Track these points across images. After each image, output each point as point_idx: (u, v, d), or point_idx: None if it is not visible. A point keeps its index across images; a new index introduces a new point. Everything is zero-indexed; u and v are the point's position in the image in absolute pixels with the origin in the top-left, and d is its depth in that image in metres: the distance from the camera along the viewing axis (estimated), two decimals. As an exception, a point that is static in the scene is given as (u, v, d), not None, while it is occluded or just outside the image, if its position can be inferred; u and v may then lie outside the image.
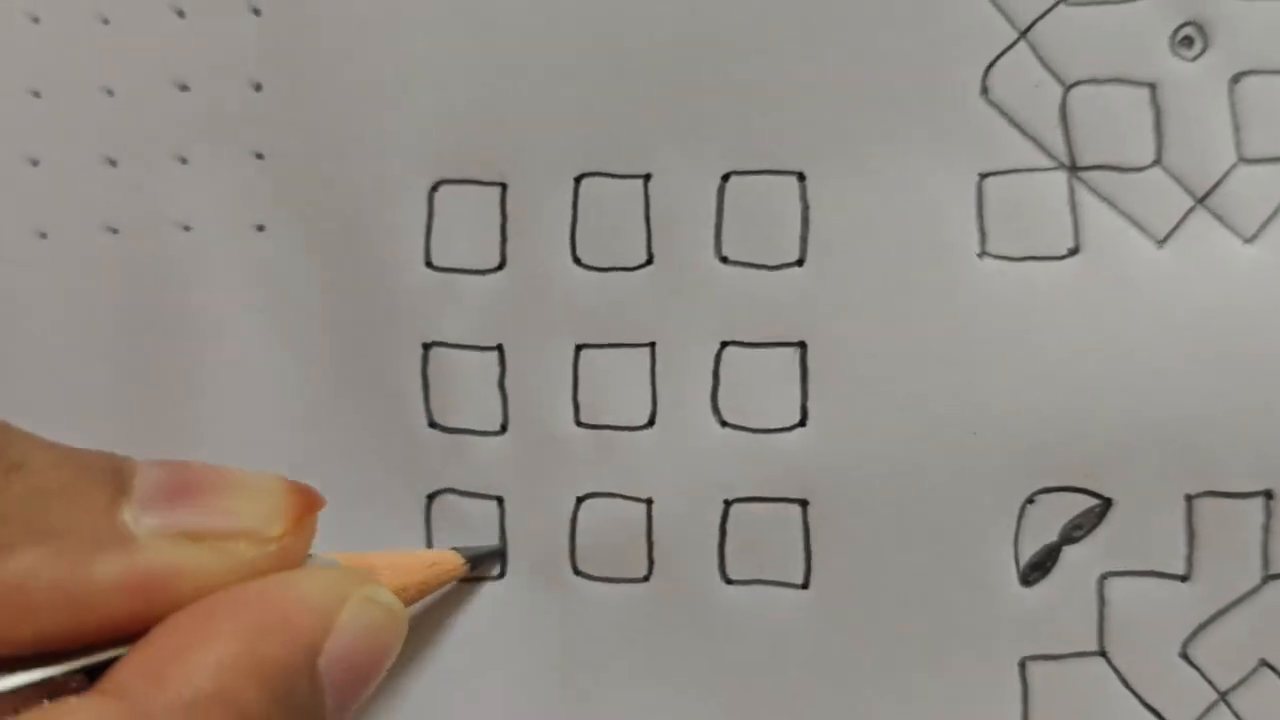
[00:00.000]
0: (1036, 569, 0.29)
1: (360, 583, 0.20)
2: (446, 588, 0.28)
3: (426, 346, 0.30)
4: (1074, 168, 0.28)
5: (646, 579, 0.30)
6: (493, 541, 0.29)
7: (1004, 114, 0.28)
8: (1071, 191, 0.28)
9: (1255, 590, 0.28)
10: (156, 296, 0.30)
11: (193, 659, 0.17)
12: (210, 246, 0.30)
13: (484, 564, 0.28)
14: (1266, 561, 0.28)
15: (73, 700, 0.17)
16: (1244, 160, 0.28)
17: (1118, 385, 0.28)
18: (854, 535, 0.29)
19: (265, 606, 0.18)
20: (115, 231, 0.30)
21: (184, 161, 0.30)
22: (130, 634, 0.18)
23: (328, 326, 0.30)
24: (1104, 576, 0.29)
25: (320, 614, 0.19)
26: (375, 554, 0.24)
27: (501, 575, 0.30)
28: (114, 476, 0.18)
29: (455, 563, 0.26)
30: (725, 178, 0.29)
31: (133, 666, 0.17)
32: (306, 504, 0.19)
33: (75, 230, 0.30)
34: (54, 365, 0.30)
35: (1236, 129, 0.28)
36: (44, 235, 0.30)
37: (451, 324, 0.30)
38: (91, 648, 0.18)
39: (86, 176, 0.30)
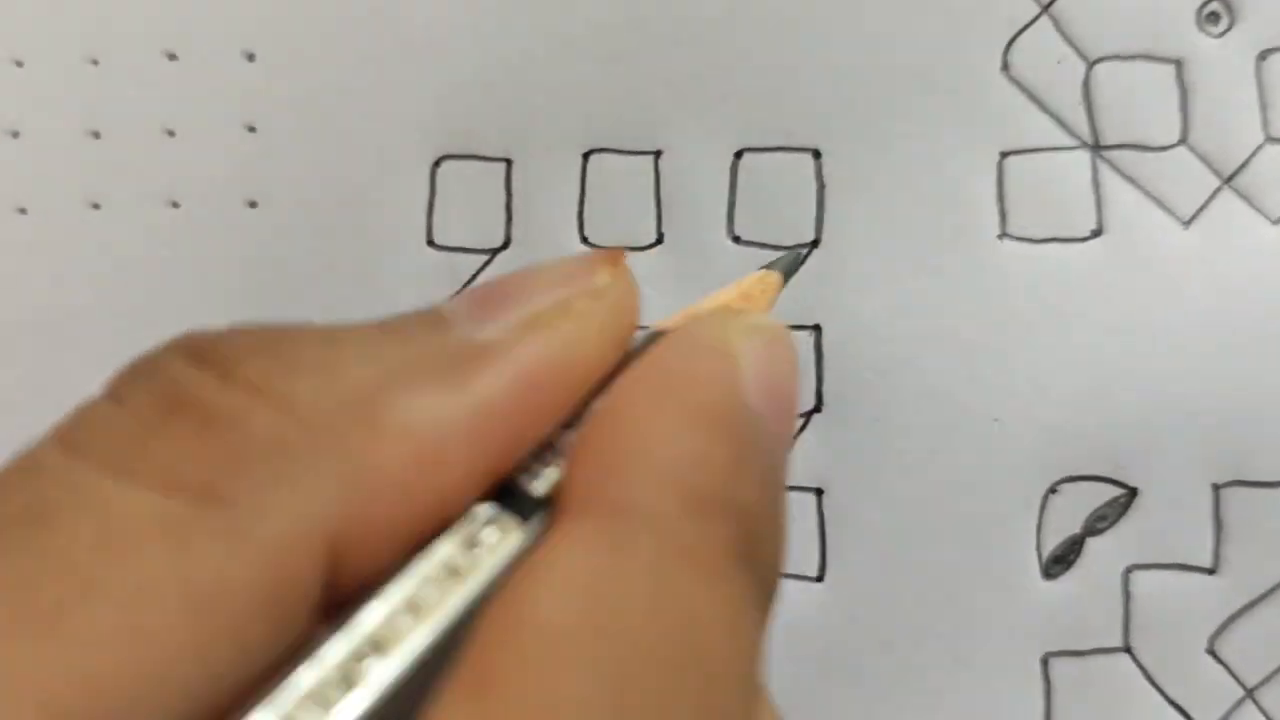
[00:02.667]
0: (1059, 561, 0.28)
1: (730, 316, 0.19)
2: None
3: (427, 328, 0.28)
4: (1097, 146, 0.28)
5: (656, 571, 0.28)
6: None
7: (1025, 91, 0.28)
8: (1095, 171, 0.28)
9: (1285, 583, 0.27)
10: (143, 275, 0.29)
11: (645, 450, 0.16)
12: (200, 223, 0.29)
13: (794, 271, 0.25)
14: (1297, 553, 0.27)
15: (560, 537, 0.15)
16: (1271, 139, 0.27)
17: (1142, 370, 0.27)
18: (870, 526, 0.28)
19: (667, 369, 0.17)
20: (98, 207, 0.29)
21: (172, 134, 0.29)
22: (526, 442, 0.16)
23: (324, 308, 0.28)
24: (1129, 569, 0.28)
25: (720, 352, 0.17)
26: (702, 302, 0.22)
27: None
28: (421, 315, 0.17)
29: (775, 279, 0.24)
30: (738, 155, 0.28)
31: (581, 482, 0.16)
32: (612, 253, 0.18)
33: (57, 206, 0.29)
34: (34, 346, 0.29)
35: (1264, 107, 0.27)
36: (23, 211, 0.29)
37: (453, 305, 0.28)
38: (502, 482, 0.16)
39: (69, 150, 0.29)
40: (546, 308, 0.17)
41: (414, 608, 0.15)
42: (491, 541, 0.16)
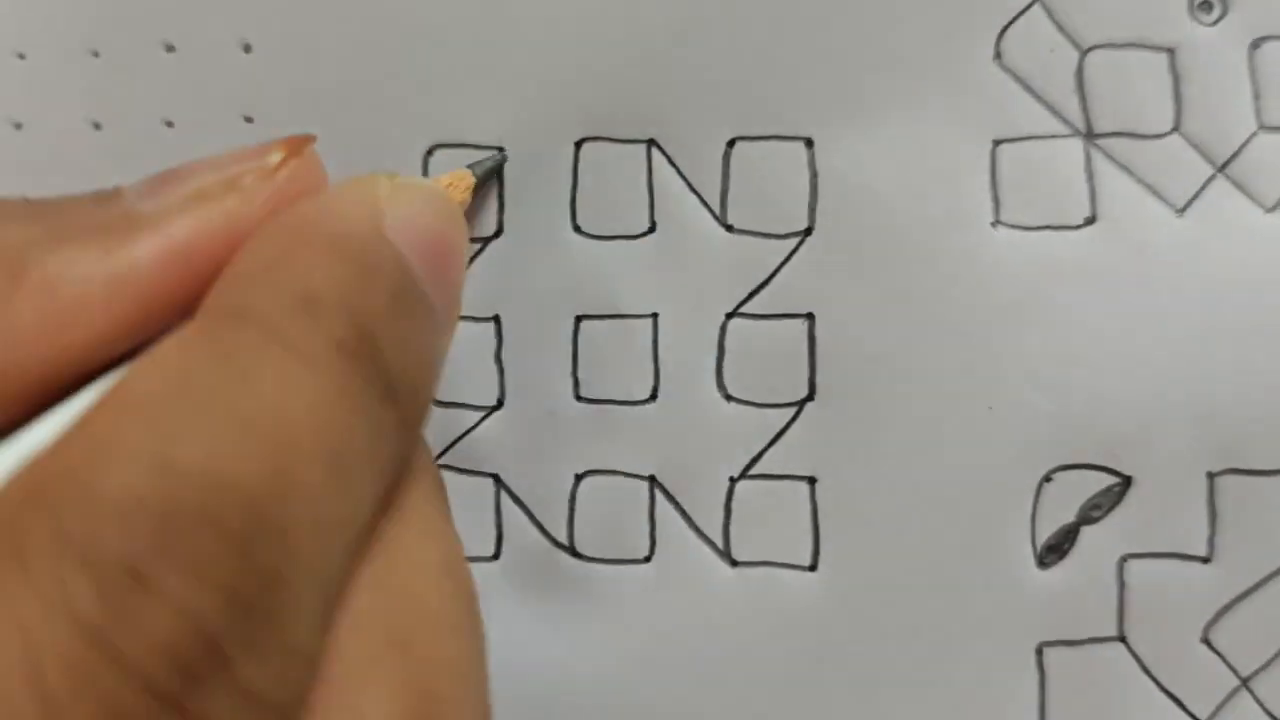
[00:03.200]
0: (1053, 551, 0.28)
1: (386, 177, 0.19)
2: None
3: (421, 316, 0.29)
4: (1090, 134, 0.28)
5: (648, 560, 0.28)
6: None
7: (1018, 79, 0.28)
8: (1088, 159, 0.28)
9: (1279, 572, 0.27)
10: (141, 265, 0.29)
11: (269, 269, 0.17)
12: (197, 213, 0.29)
13: (490, 175, 0.27)
14: (1292, 541, 0.27)
15: (184, 332, 0.16)
16: (1264, 128, 0.27)
17: (1136, 358, 0.27)
18: (864, 514, 0.28)
19: (308, 211, 0.18)
20: (99, 198, 0.29)
21: (170, 125, 0.29)
22: (176, 313, 0.17)
23: (318, 296, 0.29)
24: (1123, 558, 0.28)
25: (362, 197, 0.18)
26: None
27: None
28: (93, 193, 0.18)
29: (467, 177, 0.26)
30: (731, 143, 0.28)
31: (209, 297, 0.17)
32: (298, 139, 0.19)
33: (60, 196, 0.29)
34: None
35: (1256, 95, 0.27)
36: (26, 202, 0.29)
37: (447, 293, 0.29)
38: (147, 343, 0.17)
39: (70, 140, 0.29)
40: (212, 183, 0.18)
41: None
42: None
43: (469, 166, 0.26)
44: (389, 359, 0.17)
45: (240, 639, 0.14)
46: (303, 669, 0.15)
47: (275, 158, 0.18)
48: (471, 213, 0.28)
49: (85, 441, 0.14)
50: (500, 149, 0.28)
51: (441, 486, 0.19)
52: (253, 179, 0.18)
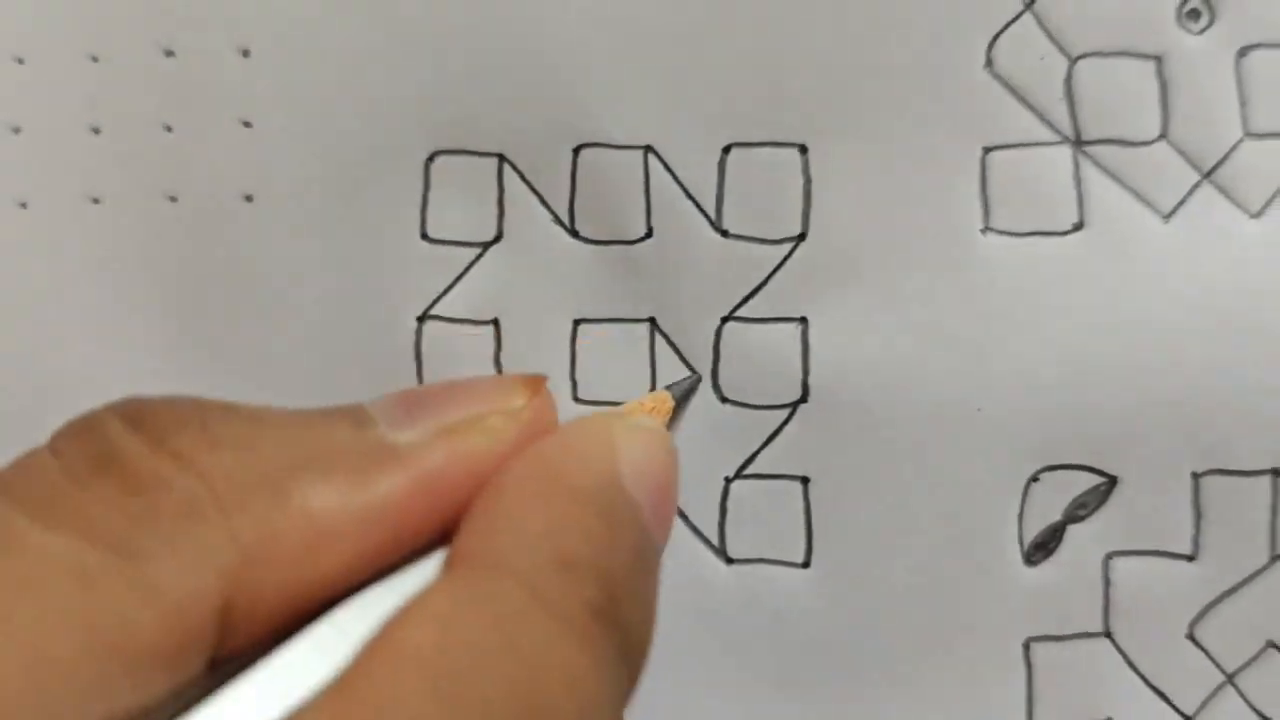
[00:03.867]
0: (1040, 548, 0.28)
1: (617, 416, 0.21)
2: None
3: (421, 320, 0.29)
4: (1079, 142, 0.28)
5: (645, 558, 0.29)
6: None
7: (1008, 87, 0.28)
8: (1076, 166, 0.28)
9: (1263, 570, 0.28)
10: (140, 268, 0.29)
11: (523, 518, 0.18)
12: (197, 217, 0.29)
13: (688, 396, 0.28)
14: (1274, 541, 0.28)
15: (436, 582, 0.17)
16: (1250, 135, 0.28)
17: (1123, 361, 0.28)
18: (856, 513, 0.28)
19: (551, 455, 0.19)
20: (98, 202, 0.29)
21: (169, 130, 0.29)
22: (421, 543, 0.18)
23: (319, 299, 0.29)
24: (1109, 556, 0.28)
25: (601, 443, 0.19)
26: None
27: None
28: (346, 411, 0.19)
29: (668, 401, 0.27)
30: (726, 150, 0.28)
31: (466, 541, 0.18)
32: (534, 379, 0.20)
33: (57, 201, 0.29)
34: (33, 340, 0.29)
35: (1243, 103, 0.28)
36: (24, 205, 0.29)
37: (447, 298, 0.29)
38: (389, 571, 0.18)
39: (69, 145, 0.29)
40: (462, 419, 0.19)
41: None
42: None
43: (668, 388, 0.28)
44: (628, 618, 0.18)
45: None
46: None
47: (519, 401, 0.19)
48: (472, 218, 0.29)
49: (367, 693, 0.15)
50: (698, 376, 0.29)
51: None
52: (500, 421, 0.19)
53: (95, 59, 0.29)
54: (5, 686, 0.14)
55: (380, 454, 0.18)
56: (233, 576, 0.16)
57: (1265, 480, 0.28)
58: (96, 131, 0.29)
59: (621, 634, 0.17)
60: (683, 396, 0.28)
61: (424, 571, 0.18)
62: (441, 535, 0.18)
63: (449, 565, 0.18)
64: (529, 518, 0.18)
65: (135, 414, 0.18)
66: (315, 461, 0.18)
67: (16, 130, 0.29)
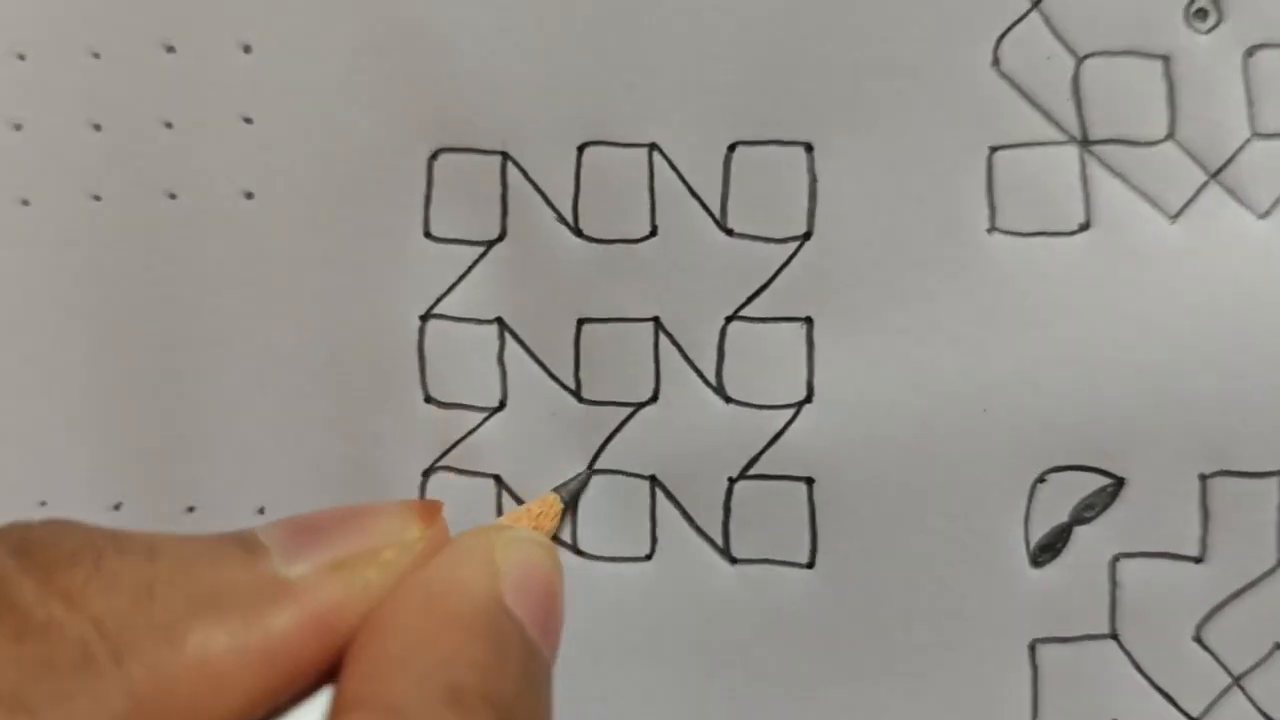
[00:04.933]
0: (1047, 550, 0.28)
1: (496, 532, 0.20)
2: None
3: (424, 319, 0.29)
4: (1085, 141, 0.28)
5: (649, 558, 0.29)
6: None
7: (1015, 86, 0.28)
8: (1083, 166, 0.28)
9: (1270, 572, 0.28)
10: (140, 267, 0.29)
11: (408, 655, 0.18)
12: (197, 215, 0.29)
13: (576, 497, 0.29)
14: (1281, 542, 0.28)
15: None
16: (1258, 135, 0.28)
17: (1129, 362, 0.28)
18: (861, 514, 0.28)
19: (432, 585, 0.19)
20: (98, 199, 0.29)
21: (169, 126, 0.29)
22: (312, 679, 0.18)
23: (320, 298, 0.29)
24: (1116, 558, 0.28)
25: (481, 564, 0.19)
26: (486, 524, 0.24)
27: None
28: (239, 540, 0.19)
29: (556, 504, 0.28)
30: (731, 148, 0.28)
31: (355, 685, 0.18)
32: (430, 507, 0.20)
33: (58, 198, 0.29)
34: (33, 338, 0.29)
35: (1250, 103, 0.28)
36: (25, 203, 0.29)
37: (450, 296, 0.29)
38: (280, 709, 0.18)
39: (70, 141, 0.29)
40: (354, 554, 0.19)
41: None
42: None
43: (555, 490, 0.28)
44: None
45: None
46: None
47: (414, 533, 0.19)
48: (476, 216, 0.29)
49: None
50: (586, 473, 0.29)
51: None
52: (393, 554, 0.19)
53: (96, 55, 0.29)
54: None
55: (272, 590, 0.18)
56: None
57: (1273, 482, 0.28)
58: (97, 128, 0.29)
59: None
60: (571, 499, 0.28)
61: (313, 712, 0.18)
62: (329, 671, 0.18)
63: (338, 712, 0.17)
64: (414, 654, 0.18)
65: (21, 545, 0.17)
66: (209, 600, 0.17)
67: (17, 127, 0.29)
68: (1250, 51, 0.28)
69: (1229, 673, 0.28)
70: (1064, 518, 0.28)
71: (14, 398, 0.29)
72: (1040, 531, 0.28)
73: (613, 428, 0.29)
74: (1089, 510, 0.28)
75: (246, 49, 0.29)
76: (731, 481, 0.29)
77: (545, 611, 0.20)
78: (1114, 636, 0.28)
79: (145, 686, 0.16)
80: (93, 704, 0.16)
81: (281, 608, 0.18)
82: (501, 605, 0.19)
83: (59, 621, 0.16)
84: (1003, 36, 0.28)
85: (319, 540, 0.19)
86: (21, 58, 0.29)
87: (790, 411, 0.28)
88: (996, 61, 0.28)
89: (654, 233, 0.28)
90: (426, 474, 0.29)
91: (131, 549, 0.17)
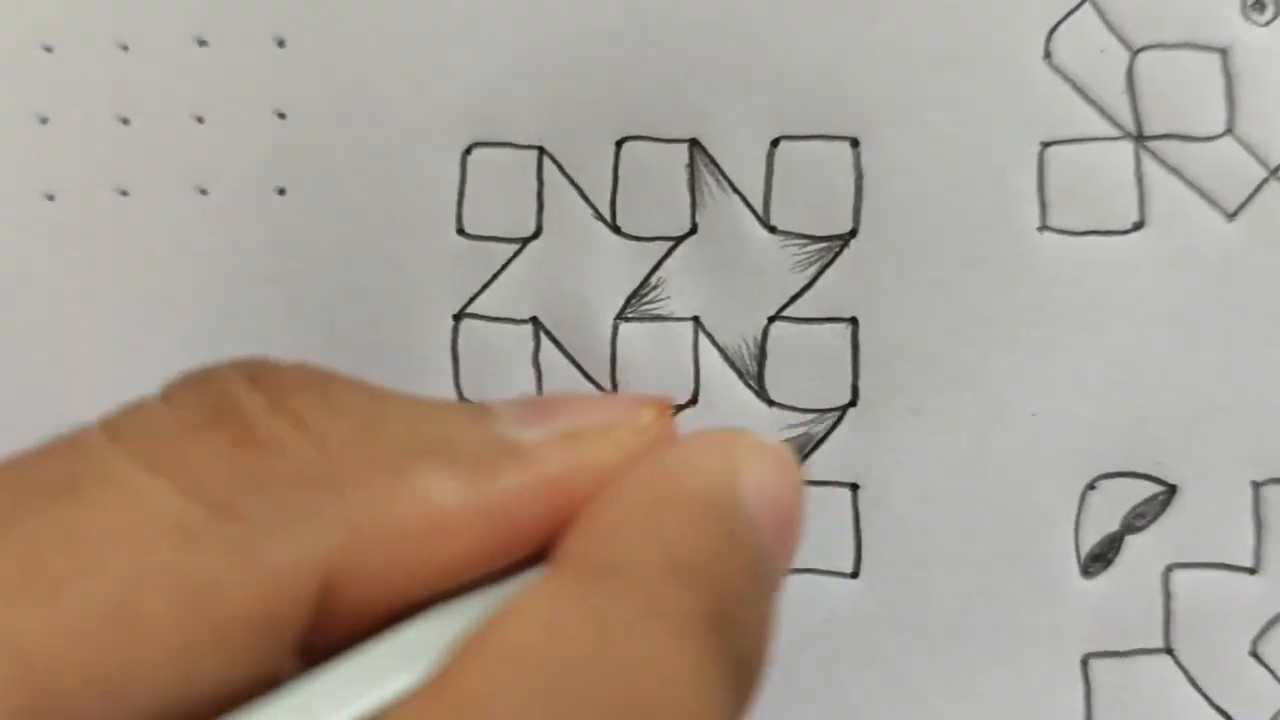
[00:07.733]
0: (1098, 560, 0.27)
1: (741, 433, 0.19)
2: None
3: (457, 318, 0.28)
4: (1140, 137, 0.27)
5: (687, 566, 0.28)
6: None
7: (1068, 80, 0.27)
8: (1138, 162, 0.27)
9: (1330, 583, 0.27)
10: (170, 263, 0.29)
11: (633, 523, 0.17)
12: (228, 211, 0.28)
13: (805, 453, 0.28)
14: (1342, 552, 0.27)
15: (541, 583, 0.16)
16: (1319, 131, 0.27)
17: (1182, 366, 0.27)
18: (906, 522, 0.27)
19: (668, 465, 0.18)
20: (126, 194, 0.29)
21: (201, 121, 0.28)
22: (529, 549, 0.17)
23: (352, 296, 0.28)
24: (1169, 568, 0.27)
25: (721, 456, 0.18)
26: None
27: None
28: (472, 407, 0.18)
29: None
30: (775, 143, 0.28)
31: (572, 544, 0.17)
32: (663, 401, 0.19)
33: (85, 192, 0.29)
34: (59, 334, 0.29)
35: (1311, 98, 0.27)
36: (51, 197, 0.29)
37: (484, 295, 0.28)
38: (501, 573, 0.17)
39: (98, 135, 0.28)
40: (589, 427, 0.18)
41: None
42: None
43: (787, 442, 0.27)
44: (741, 634, 0.17)
45: None
46: None
47: (648, 417, 0.19)
48: (511, 213, 0.28)
49: (463, 692, 0.14)
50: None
51: None
52: (626, 434, 0.18)
53: (125, 47, 0.28)
54: (85, 638, 0.14)
55: (504, 450, 0.17)
56: (339, 556, 0.15)
57: (1334, 490, 0.27)
58: (126, 122, 0.29)
59: (733, 650, 0.16)
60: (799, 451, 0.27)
61: (530, 578, 0.17)
62: (547, 548, 0.17)
63: (553, 567, 0.17)
64: (639, 523, 0.17)
65: (257, 372, 0.17)
66: (437, 447, 0.17)
67: (44, 120, 0.29)
68: (1311, 45, 0.27)
69: (1288, 688, 0.27)
70: (1115, 526, 0.27)
71: (41, 394, 0.28)
72: (1091, 540, 0.27)
73: (651, 430, 0.28)
74: (1140, 519, 0.27)
75: (280, 42, 0.28)
76: (773, 486, 0.28)
77: (783, 524, 0.18)
78: (1169, 651, 0.27)
79: (363, 517, 0.16)
80: (307, 525, 0.15)
81: (512, 468, 0.17)
82: (737, 500, 0.18)
83: (282, 439, 0.16)
84: (1055, 29, 0.27)
85: (552, 413, 0.18)
86: (48, 49, 0.28)
87: (834, 415, 0.28)
88: (1048, 54, 0.27)
89: (694, 230, 0.28)
90: (459, 477, 0.28)
91: (363, 389, 0.17)
